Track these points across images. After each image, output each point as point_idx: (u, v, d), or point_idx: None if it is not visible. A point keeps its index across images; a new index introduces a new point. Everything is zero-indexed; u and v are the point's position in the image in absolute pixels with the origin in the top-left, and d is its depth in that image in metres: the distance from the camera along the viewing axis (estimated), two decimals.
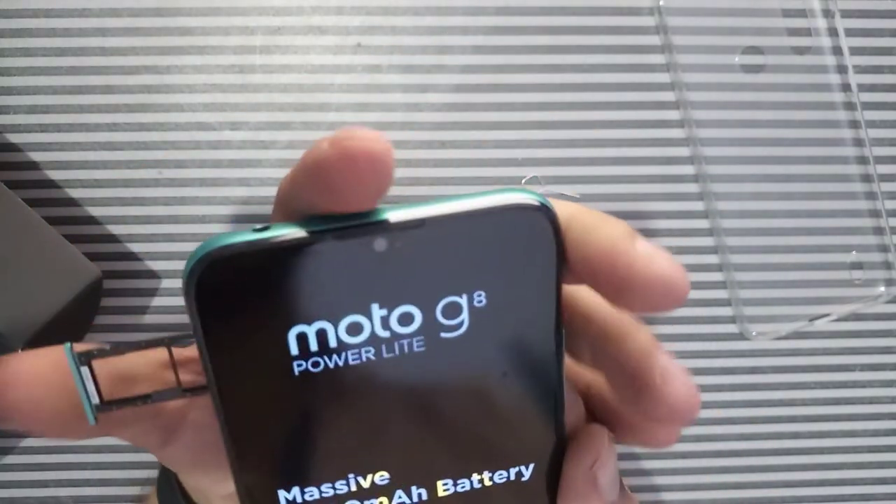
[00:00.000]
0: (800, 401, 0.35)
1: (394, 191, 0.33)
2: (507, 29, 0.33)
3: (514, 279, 0.15)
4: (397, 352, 0.15)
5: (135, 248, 0.33)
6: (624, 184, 0.33)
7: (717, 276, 0.34)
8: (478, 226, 0.14)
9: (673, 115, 0.33)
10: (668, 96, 0.33)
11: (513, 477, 0.17)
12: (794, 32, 0.33)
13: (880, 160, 0.34)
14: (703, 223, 0.34)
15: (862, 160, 0.33)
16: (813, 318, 0.33)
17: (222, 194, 0.33)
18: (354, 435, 0.16)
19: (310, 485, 0.16)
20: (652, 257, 0.13)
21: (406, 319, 0.15)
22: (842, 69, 0.33)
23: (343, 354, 0.15)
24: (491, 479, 0.17)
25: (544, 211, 0.14)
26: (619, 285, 0.14)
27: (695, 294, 0.34)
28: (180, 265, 0.33)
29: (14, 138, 0.32)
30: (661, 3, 0.32)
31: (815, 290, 0.34)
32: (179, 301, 0.33)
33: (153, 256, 0.33)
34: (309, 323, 0.14)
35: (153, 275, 0.33)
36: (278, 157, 0.33)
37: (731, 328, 0.34)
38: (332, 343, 0.15)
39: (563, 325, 0.16)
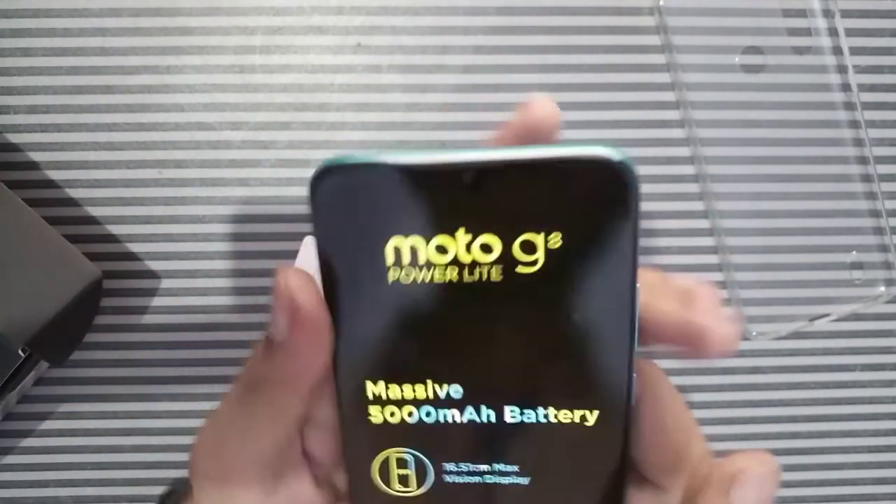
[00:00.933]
0: (800, 401, 0.35)
1: None
2: (507, 29, 0.33)
3: (591, 228, 0.16)
4: (477, 277, 0.17)
5: (135, 248, 0.33)
6: None
7: (717, 276, 0.34)
8: (561, 172, 0.16)
9: (673, 115, 0.33)
10: (669, 96, 0.33)
11: (577, 419, 0.18)
12: (794, 32, 0.33)
13: (880, 160, 0.34)
14: (703, 223, 0.34)
15: (862, 160, 0.33)
16: (813, 318, 0.33)
17: (222, 194, 0.33)
18: (435, 346, 0.18)
19: (393, 381, 0.18)
20: (717, 328, 0.17)
21: (487, 249, 0.17)
22: (842, 69, 0.33)
23: (430, 270, 0.17)
24: (556, 416, 0.18)
25: (625, 167, 0.16)
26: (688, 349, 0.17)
27: None
28: (180, 265, 0.33)
29: (14, 138, 0.32)
30: (661, 3, 0.32)
31: (815, 290, 0.34)
32: (179, 301, 0.33)
33: (153, 256, 0.33)
34: (405, 235, 0.17)
35: (153, 275, 0.33)
36: (278, 157, 0.33)
37: None
38: (422, 259, 0.17)
39: (637, 282, 0.17)
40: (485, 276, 0.17)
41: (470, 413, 0.18)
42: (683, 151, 0.34)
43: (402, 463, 0.19)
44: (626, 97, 0.33)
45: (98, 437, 0.34)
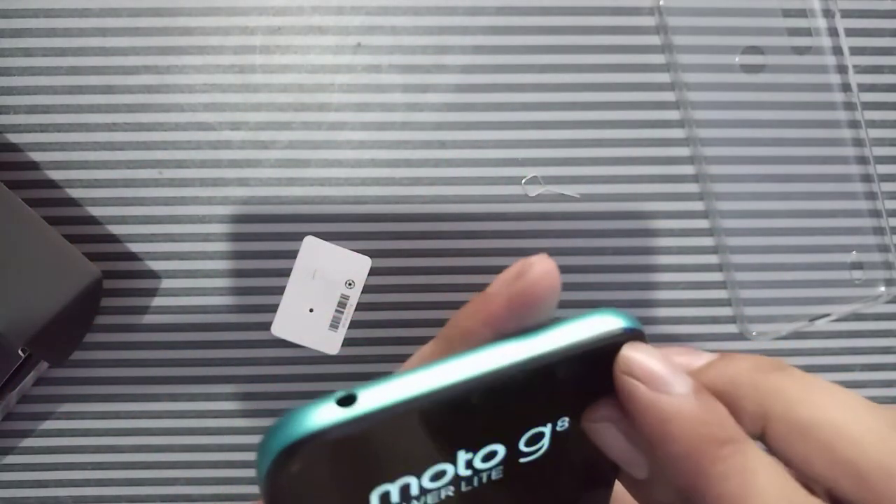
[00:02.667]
0: None
1: (394, 190, 0.33)
2: (506, 29, 0.33)
3: (593, 402, 0.15)
4: (476, 484, 0.15)
5: (135, 248, 0.33)
6: (624, 184, 0.33)
7: (717, 276, 0.34)
8: (569, 361, 0.14)
9: (673, 115, 0.33)
10: (669, 96, 0.33)
11: None
12: (794, 32, 0.33)
13: (880, 160, 0.34)
14: (703, 223, 0.34)
15: (862, 160, 0.33)
16: (813, 318, 0.33)
17: (222, 194, 0.33)
18: None
19: None
20: None
21: (490, 456, 0.14)
22: (842, 69, 0.33)
23: (423, 498, 0.14)
24: None
25: (638, 333, 0.14)
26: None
27: (695, 294, 0.34)
28: (180, 265, 0.33)
29: (14, 138, 0.32)
30: (661, 3, 0.32)
31: (815, 290, 0.34)
32: (179, 301, 0.33)
33: (153, 256, 0.33)
34: (392, 481, 0.14)
35: (153, 275, 0.33)
36: (278, 157, 0.33)
37: (732, 328, 0.34)
38: (415, 491, 0.14)
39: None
40: (484, 480, 0.15)
41: None
42: (683, 151, 0.34)
43: None
44: (626, 97, 0.33)
45: (98, 437, 0.34)
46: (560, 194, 0.33)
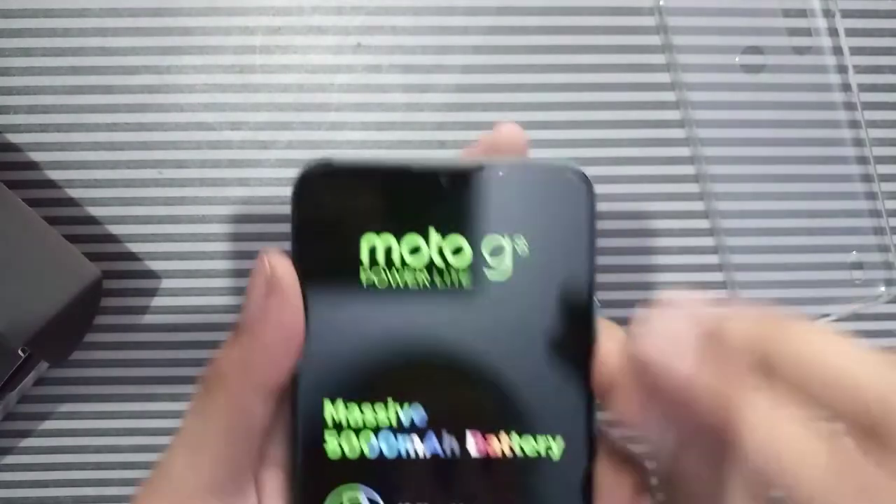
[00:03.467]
0: None
1: None
2: (506, 29, 0.33)
3: (553, 234, 0.17)
4: (447, 283, 0.17)
5: (135, 248, 0.33)
6: (624, 184, 0.33)
7: (717, 277, 0.34)
8: (525, 179, 0.17)
9: (673, 115, 0.33)
10: (669, 96, 0.33)
11: (542, 450, 0.17)
12: (794, 32, 0.33)
13: (880, 160, 0.34)
14: (703, 223, 0.34)
15: (862, 160, 0.33)
16: (813, 318, 0.33)
17: (222, 194, 0.33)
18: (398, 359, 0.17)
19: (353, 399, 0.17)
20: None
21: (457, 250, 0.17)
22: (842, 69, 0.33)
23: (402, 273, 0.17)
24: (520, 446, 0.17)
25: (582, 178, 0.17)
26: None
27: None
28: (180, 265, 0.33)
29: (14, 138, 0.32)
30: (661, 3, 0.32)
31: (815, 290, 0.34)
32: (180, 301, 0.33)
33: (153, 256, 0.33)
34: (378, 232, 0.17)
35: (153, 275, 0.33)
36: (278, 157, 0.33)
37: None
38: (396, 259, 0.17)
39: (595, 296, 0.18)
40: (454, 282, 0.17)
41: (432, 442, 0.17)
42: (683, 151, 0.34)
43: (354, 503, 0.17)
44: (626, 97, 0.33)
45: (98, 437, 0.34)
46: None
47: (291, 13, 0.32)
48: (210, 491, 0.16)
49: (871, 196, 0.33)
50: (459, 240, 0.17)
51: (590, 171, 0.33)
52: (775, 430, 0.14)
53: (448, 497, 0.17)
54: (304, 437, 0.17)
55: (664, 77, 0.33)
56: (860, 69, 0.33)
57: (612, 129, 0.33)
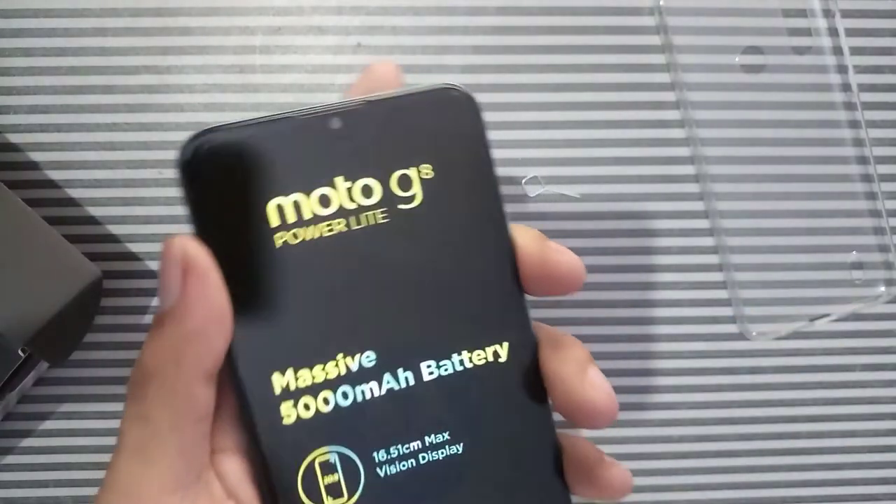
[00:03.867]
0: (800, 401, 0.35)
1: None
2: (507, 29, 0.33)
3: (452, 152, 0.18)
4: (364, 223, 0.17)
5: (135, 248, 0.33)
6: (624, 184, 0.33)
7: (717, 276, 0.34)
8: (413, 106, 0.17)
9: (673, 115, 0.33)
10: (669, 96, 0.33)
11: (491, 358, 0.18)
12: (794, 32, 0.33)
13: (880, 160, 0.34)
14: (703, 223, 0.34)
15: (862, 160, 0.33)
16: (813, 318, 0.33)
17: None
18: (337, 311, 0.17)
19: (302, 365, 0.17)
20: (562, 253, 0.18)
21: (367, 191, 0.17)
22: (842, 69, 0.33)
23: (318, 226, 0.17)
24: (470, 359, 0.18)
25: (465, 93, 0.18)
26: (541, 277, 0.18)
27: (695, 294, 0.34)
28: None
29: (14, 138, 0.32)
30: (661, 3, 0.32)
31: (815, 290, 0.34)
32: None
33: (153, 256, 0.33)
34: (285, 194, 0.16)
35: (153, 275, 0.33)
36: None
37: (732, 328, 0.34)
38: (307, 214, 0.17)
39: (502, 199, 0.18)
40: (371, 221, 0.17)
41: (388, 381, 0.17)
42: (683, 151, 0.34)
43: (328, 468, 0.17)
44: (626, 97, 0.33)
45: (98, 437, 0.34)
46: (560, 194, 0.33)
47: (291, 13, 0.32)
48: (167, 491, 0.16)
49: (871, 196, 0.33)
50: (366, 181, 0.17)
51: (590, 171, 0.34)
52: None
53: (417, 430, 0.17)
54: (261, 417, 0.16)
55: (664, 77, 0.33)
56: (860, 69, 0.33)
57: (611, 129, 0.33)
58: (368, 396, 0.17)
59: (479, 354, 0.18)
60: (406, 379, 0.17)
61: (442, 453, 0.18)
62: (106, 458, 0.34)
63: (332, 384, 0.17)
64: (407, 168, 0.17)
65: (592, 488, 0.18)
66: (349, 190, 0.17)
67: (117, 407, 0.34)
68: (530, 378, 0.18)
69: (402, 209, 0.17)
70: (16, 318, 0.27)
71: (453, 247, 0.18)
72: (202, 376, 0.16)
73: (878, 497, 0.36)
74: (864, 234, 0.34)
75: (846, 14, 0.33)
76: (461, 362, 0.18)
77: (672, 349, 0.34)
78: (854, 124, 0.33)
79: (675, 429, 0.35)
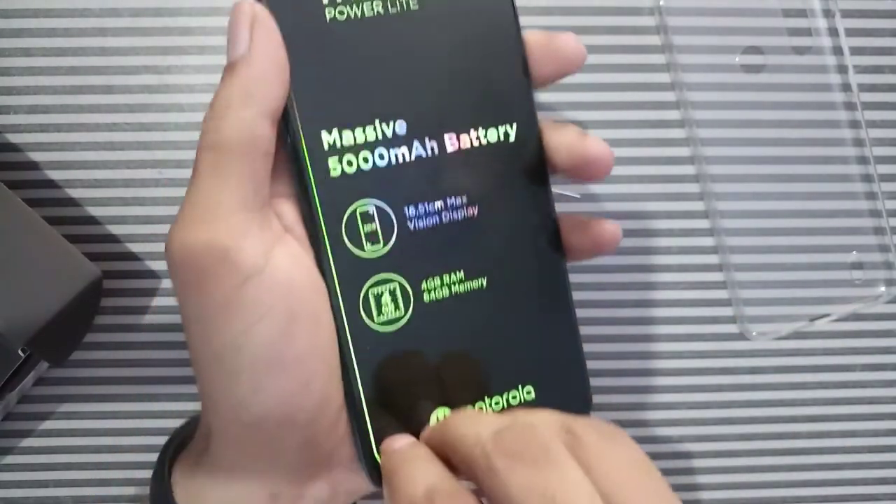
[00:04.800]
0: (800, 401, 0.35)
1: None
2: None
3: None
4: (398, 8, 0.20)
5: (135, 248, 0.33)
6: (624, 184, 0.33)
7: (717, 276, 0.34)
8: None
9: (673, 115, 0.33)
10: (669, 96, 0.33)
11: (502, 137, 0.21)
12: (794, 32, 0.33)
13: (880, 160, 0.34)
14: (703, 223, 0.34)
15: (862, 160, 0.33)
16: (813, 318, 0.33)
17: None
18: (375, 82, 0.20)
19: (346, 127, 0.20)
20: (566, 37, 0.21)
21: None
22: (842, 69, 0.33)
23: (360, 5, 0.19)
24: (485, 136, 0.21)
25: None
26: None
27: (695, 294, 0.34)
28: None
29: (14, 138, 0.32)
30: (661, 3, 0.32)
31: (815, 290, 0.34)
32: None
33: (153, 256, 0.33)
34: None
35: (153, 275, 0.33)
36: None
37: (732, 328, 0.34)
38: None
39: (516, 6, 0.21)
40: (405, 6, 0.19)
41: (416, 147, 0.20)
42: (683, 151, 0.34)
43: (367, 218, 0.20)
44: (626, 97, 0.33)
45: (98, 437, 0.34)
46: (560, 194, 0.33)
47: None
48: (240, 207, 0.18)
49: (871, 196, 0.33)
50: None
51: None
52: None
53: (438, 191, 0.21)
54: (313, 164, 0.19)
55: (664, 77, 0.33)
56: (860, 69, 0.33)
57: (611, 129, 0.33)
58: (401, 160, 0.20)
59: (492, 132, 0.21)
60: (431, 148, 0.20)
61: (460, 214, 0.21)
62: (106, 458, 0.34)
63: (370, 146, 0.20)
64: None
65: (586, 239, 0.22)
66: None
67: (117, 407, 0.34)
68: (534, 156, 0.21)
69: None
70: (16, 318, 0.27)
71: (474, 39, 0.20)
72: (267, 115, 0.18)
73: (878, 497, 0.36)
74: (864, 234, 0.34)
75: (846, 14, 0.33)
76: (477, 138, 0.21)
77: (672, 349, 0.34)
78: (854, 124, 0.33)
79: (675, 429, 0.35)
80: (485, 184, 0.21)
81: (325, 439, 0.20)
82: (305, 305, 0.19)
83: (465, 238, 0.21)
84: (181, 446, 0.23)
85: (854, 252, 0.34)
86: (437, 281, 0.21)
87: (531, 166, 0.21)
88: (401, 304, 0.20)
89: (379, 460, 0.20)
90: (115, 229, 0.33)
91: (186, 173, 0.32)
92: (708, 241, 0.34)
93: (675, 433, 0.35)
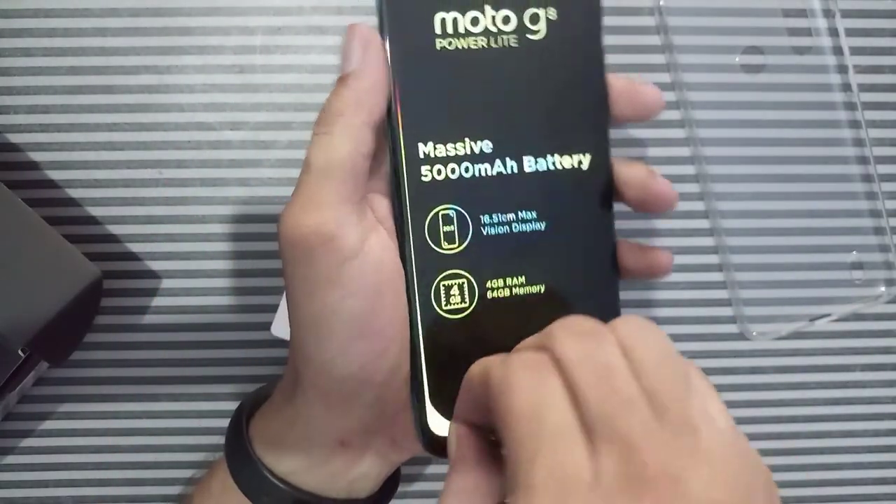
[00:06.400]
0: (800, 401, 0.35)
1: None
2: None
3: (573, 4, 0.23)
4: (499, 44, 0.22)
5: (135, 248, 0.33)
6: None
7: (717, 276, 0.34)
8: None
9: (673, 114, 0.33)
10: (669, 96, 0.33)
11: (576, 164, 0.24)
12: (794, 32, 0.33)
13: (880, 160, 0.34)
14: (703, 223, 0.34)
15: (862, 160, 0.33)
16: (813, 318, 0.33)
17: (222, 194, 0.33)
18: (469, 106, 0.23)
19: (440, 141, 0.22)
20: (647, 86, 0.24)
21: (506, 20, 0.22)
22: (842, 69, 0.33)
23: (467, 39, 0.22)
24: (560, 162, 0.23)
25: None
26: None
27: (695, 294, 0.34)
28: (181, 265, 0.33)
29: (14, 138, 0.32)
30: (661, 3, 0.32)
31: (815, 290, 0.34)
32: (179, 301, 0.33)
33: (153, 256, 0.33)
34: (447, 11, 0.22)
35: (153, 275, 0.33)
36: (279, 158, 0.33)
37: (732, 328, 0.34)
38: (461, 29, 0.22)
39: (604, 48, 0.24)
40: (505, 43, 0.22)
41: (498, 165, 0.23)
42: (683, 151, 0.34)
43: (447, 220, 0.23)
44: None
45: (98, 437, 0.34)
46: None
47: (291, 13, 0.32)
48: (350, 202, 0.21)
49: (871, 196, 0.33)
50: (506, 11, 0.22)
51: None
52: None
53: (512, 204, 0.23)
54: (408, 169, 0.22)
55: (664, 77, 0.33)
56: (860, 69, 0.33)
57: (612, 129, 0.33)
58: (483, 174, 0.23)
59: (567, 159, 0.23)
60: (512, 167, 0.23)
61: (529, 227, 0.23)
62: (106, 458, 0.34)
63: (458, 159, 0.23)
64: (538, 8, 0.23)
65: (642, 263, 0.24)
66: (493, 17, 0.22)
67: (117, 407, 0.34)
68: (603, 184, 0.24)
69: (529, 39, 0.23)
70: (16, 318, 0.27)
71: (562, 74, 0.23)
72: (372, 122, 0.21)
73: (877, 497, 0.36)
74: (864, 234, 0.34)
75: (846, 14, 0.33)
76: (553, 163, 0.23)
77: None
78: (854, 124, 0.33)
79: None
80: (555, 203, 0.23)
81: (392, 401, 0.23)
82: (390, 286, 0.22)
83: (531, 248, 0.23)
84: (256, 406, 0.27)
85: (854, 252, 0.34)
86: (501, 282, 0.23)
87: (599, 193, 0.24)
88: (466, 297, 0.23)
89: (431, 428, 0.22)
90: (115, 229, 0.33)
91: (186, 173, 0.33)
92: (708, 241, 0.34)
93: None
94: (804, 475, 0.35)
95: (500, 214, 0.23)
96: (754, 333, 0.34)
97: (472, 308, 0.23)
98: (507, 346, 0.20)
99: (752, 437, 0.35)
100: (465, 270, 0.23)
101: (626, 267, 0.24)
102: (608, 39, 0.33)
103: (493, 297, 0.23)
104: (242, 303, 0.33)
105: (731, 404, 0.35)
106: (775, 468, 0.35)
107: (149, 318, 0.33)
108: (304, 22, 0.32)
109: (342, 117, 0.21)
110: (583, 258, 0.24)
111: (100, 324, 0.33)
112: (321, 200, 0.21)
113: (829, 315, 0.33)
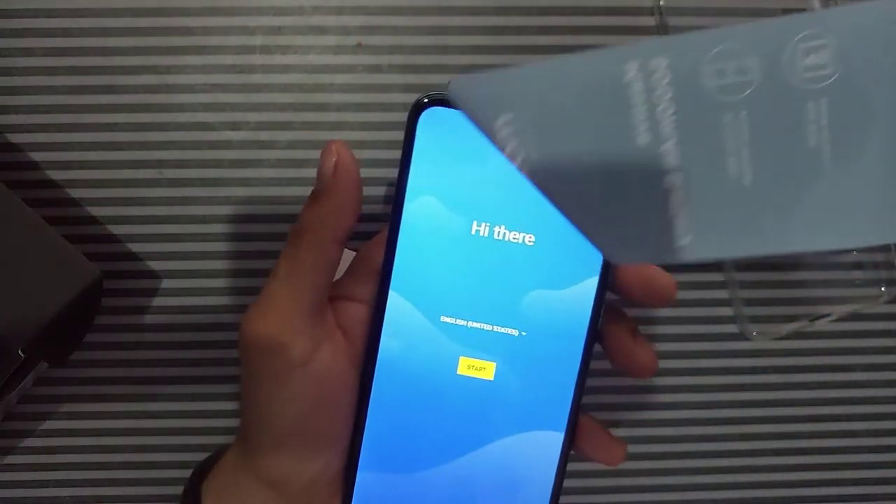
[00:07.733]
0: (800, 401, 0.35)
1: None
2: (506, 29, 0.33)
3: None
4: (512, 239, 0.23)
5: (135, 248, 0.33)
6: None
7: (717, 276, 0.34)
8: None
9: None
10: None
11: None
12: None
13: None
14: None
15: None
16: (813, 318, 0.33)
17: (223, 194, 0.33)
18: (457, 286, 0.23)
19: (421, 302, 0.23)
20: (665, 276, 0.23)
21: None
22: None
23: (483, 227, 0.23)
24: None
25: None
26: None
27: (695, 294, 0.34)
28: (180, 265, 0.33)
29: (14, 138, 0.32)
30: (661, 3, 0.32)
31: (815, 290, 0.34)
32: (179, 301, 0.33)
33: (153, 256, 0.33)
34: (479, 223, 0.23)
35: (153, 275, 0.33)
36: (279, 157, 0.33)
37: (731, 328, 0.34)
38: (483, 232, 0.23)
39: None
40: (521, 240, 0.23)
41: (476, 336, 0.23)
42: None
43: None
44: None
45: (98, 437, 0.34)
46: None
47: (291, 13, 0.32)
48: (306, 313, 0.22)
49: None
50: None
51: None
52: None
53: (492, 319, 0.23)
54: (387, 324, 0.23)
55: None
56: None
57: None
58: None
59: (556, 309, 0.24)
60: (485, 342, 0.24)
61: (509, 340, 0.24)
62: (106, 458, 0.34)
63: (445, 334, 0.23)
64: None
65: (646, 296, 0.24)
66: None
67: (117, 407, 0.34)
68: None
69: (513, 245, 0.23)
70: (16, 318, 0.27)
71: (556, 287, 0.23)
72: (338, 238, 0.22)
73: (877, 497, 0.36)
74: None
75: None
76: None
77: (672, 349, 0.34)
78: None
79: (675, 429, 0.35)
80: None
81: (320, 495, 0.24)
82: (332, 396, 0.23)
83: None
84: (205, 472, 0.27)
85: (854, 252, 0.34)
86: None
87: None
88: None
89: None
90: (115, 229, 0.33)
91: (187, 173, 0.33)
92: None
93: (676, 433, 0.35)
94: (804, 475, 0.35)
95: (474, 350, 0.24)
96: (754, 333, 0.34)
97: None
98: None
99: (752, 437, 0.35)
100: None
101: (628, 291, 0.25)
102: (608, 40, 0.33)
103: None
104: (242, 303, 0.33)
105: (730, 404, 0.36)
106: (775, 468, 0.35)
107: (149, 318, 0.33)
108: (304, 22, 0.32)
109: (308, 232, 0.22)
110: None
111: (100, 324, 0.33)
112: (279, 309, 0.22)
113: (829, 315, 0.33)
